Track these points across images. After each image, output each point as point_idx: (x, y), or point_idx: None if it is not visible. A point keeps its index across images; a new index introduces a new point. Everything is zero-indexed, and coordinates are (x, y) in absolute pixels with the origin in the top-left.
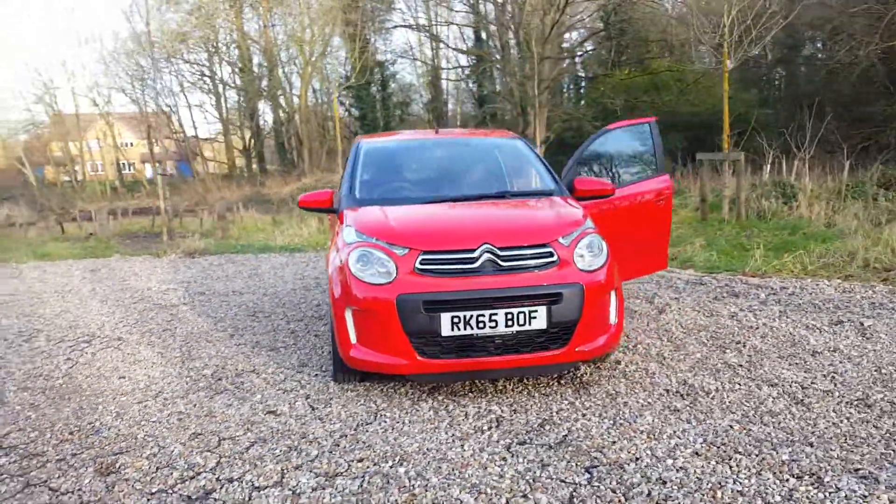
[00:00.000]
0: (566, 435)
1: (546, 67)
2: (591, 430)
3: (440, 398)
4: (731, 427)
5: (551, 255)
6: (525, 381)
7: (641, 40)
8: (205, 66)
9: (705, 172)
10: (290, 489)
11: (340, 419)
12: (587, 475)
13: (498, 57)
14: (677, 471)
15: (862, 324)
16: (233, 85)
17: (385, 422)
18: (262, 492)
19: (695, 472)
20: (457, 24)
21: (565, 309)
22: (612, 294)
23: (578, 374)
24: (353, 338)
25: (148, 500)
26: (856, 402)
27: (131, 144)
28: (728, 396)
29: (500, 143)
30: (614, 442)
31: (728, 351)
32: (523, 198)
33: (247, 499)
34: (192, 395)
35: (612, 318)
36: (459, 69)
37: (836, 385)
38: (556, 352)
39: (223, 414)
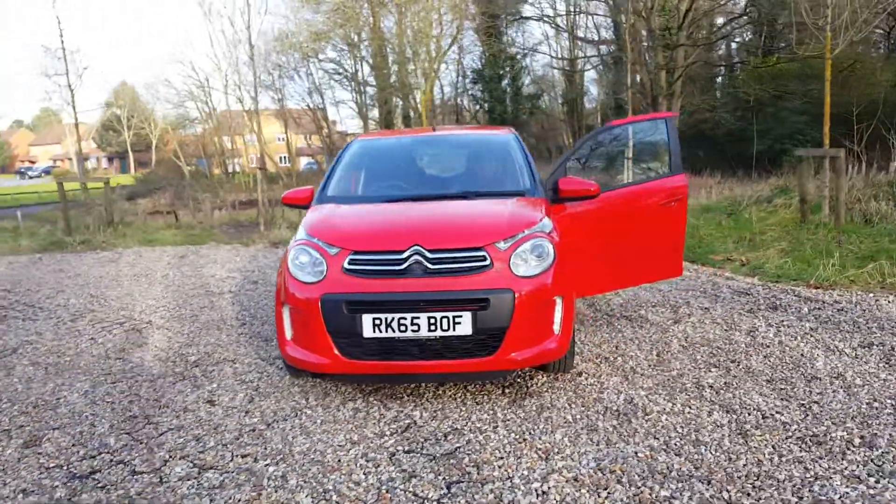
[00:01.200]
0: (459, 447)
1: (680, 55)
2: (490, 443)
3: (371, 399)
4: (636, 454)
5: (483, 258)
6: (468, 387)
7: (795, 25)
8: (341, 64)
9: (805, 170)
10: (159, 476)
11: (263, 413)
12: (443, 491)
13: (630, 46)
14: (536, 496)
15: (893, 348)
16: (372, 83)
17: (300, 419)
18: (135, 476)
19: (555, 499)
20: (587, 13)
21: (492, 315)
22: (558, 302)
23: (527, 384)
24: (288, 335)
25: (39, 473)
26: (808, 439)
27: (284, 139)
28: (666, 420)
29: (490, 141)
30: (501, 458)
31: (714, 370)
32: (488, 198)
33: (119, 481)
34: (160, 379)
35: (556, 327)
36: (596, 58)
37: (804, 416)
38: (483, 359)
39: (169, 400)
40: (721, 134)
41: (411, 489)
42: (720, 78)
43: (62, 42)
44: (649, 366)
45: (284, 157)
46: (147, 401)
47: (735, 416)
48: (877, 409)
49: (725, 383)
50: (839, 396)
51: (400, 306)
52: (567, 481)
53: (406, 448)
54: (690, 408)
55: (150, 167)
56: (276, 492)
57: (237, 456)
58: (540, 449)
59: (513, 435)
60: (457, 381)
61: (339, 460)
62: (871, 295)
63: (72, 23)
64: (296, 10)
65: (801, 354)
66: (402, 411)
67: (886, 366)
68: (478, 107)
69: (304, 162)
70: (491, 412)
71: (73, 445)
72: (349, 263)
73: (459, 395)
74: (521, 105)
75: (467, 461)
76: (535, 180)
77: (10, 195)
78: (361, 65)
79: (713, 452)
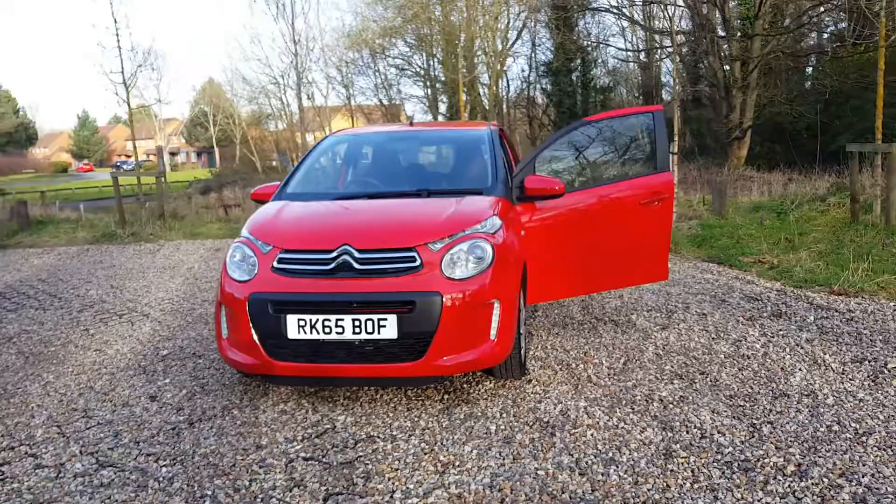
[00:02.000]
0: (362, 456)
1: (756, 45)
2: (396, 453)
3: (304, 401)
4: (537, 471)
5: (413, 259)
6: (408, 391)
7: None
8: (411, 59)
9: (856, 167)
10: (58, 471)
11: (193, 412)
12: (317, 503)
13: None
14: None
15: (886, 364)
16: (441, 78)
17: (224, 419)
18: (38, 470)
19: None
20: (662, 3)
21: (418, 319)
22: (496, 305)
23: (469, 390)
24: (224, 334)
25: None
26: (736, 464)
27: None
28: (592, 435)
29: (462, 137)
30: (397, 470)
31: (676, 382)
32: (443, 195)
33: (20, 474)
34: (122, 373)
35: (493, 333)
36: (670, 48)
37: (748, 438)
38: (409, 364)
39: (118, 394)
40: (802, 127)
41: (287, 499)
42: (809, 69)
43: (118, 41)
44: (609, 375)
45: None
46: (97, 394)
47: (670, 435)
48: (835, 432)
49: (681, 397)
50: (800, 417)
51: (324, 307)
52: (448, 498)
53: (308, 455)
54: (626, 423)
55: (236, 162)
56: (153, 494)
57: (142, 455)
58: (442, 461)
59: (423, 444)
60: (384, 385)
61: (234, 465)
62: (894, 304)
63: (147, 22)
64: (369, 6)
65: (782, 368)
66: (327, 415)
67: (871, 384)
68: (548, 100)
69: None
70: (415, 419)
71: (1, 436)
72: (278, 262)
73: (396, 399)
74: (591, 98)
75: (361, 471)
76: (498, 178)
77: (97, 187)
78: (433, 60)
79: (621, 474)
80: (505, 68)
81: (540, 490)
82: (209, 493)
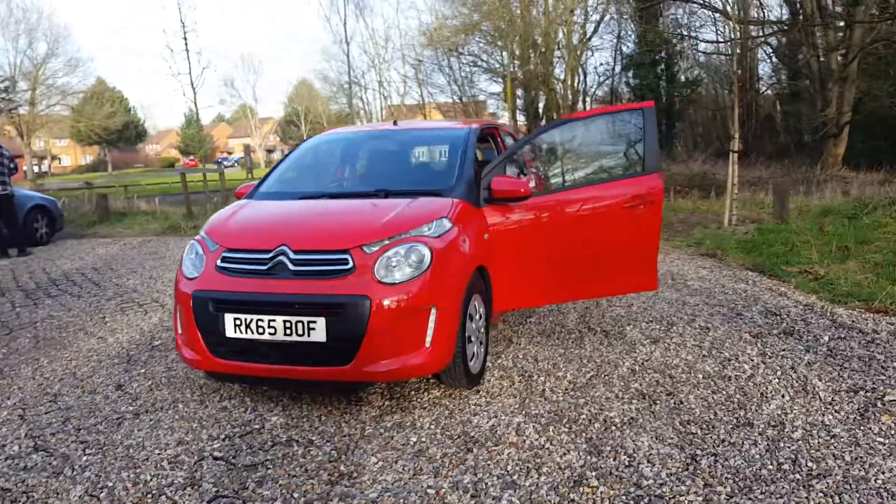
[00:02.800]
0: (270, 459)
1: (857, 34)
2: (302, 459)
3: (248, 399)
4: (428, 490)
5: (345, 262)
6: (353, 397)
7: None
8: (485, 56)
9: None
10: None
11: (145, 402)
12: None
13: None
14: None
15: (883, 396)
16: (519, 75)
17: (167, 412)
18: None
19: None
20: None
21: (346, 323)
22: (432, 312)
23: (413, 397)
24: (179, 330)
25: None
26: (647, 499)
27: None
28: (509, 455)
29: (439, 137)
30: (294, 477)
31: (635, 402)
32: (400, 196)
33: None
34: (108, 360)
35: (428, 340)
36: (760, 38)
37: (679, 471)
38: (338, 368)
39: (92, 381)
40: None
41: (175, 497)
42: None
43: (185, 44)
44: (566, 390)
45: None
46: (74, 380)
47: (593, 460)
48: (784, 472)
49: (630, 419)
50: (753, 451)
51: (258, 308)
52: None
53: (220, 454)
54: (553, 443)
55: None
56: (60, 481)
57: (76, 442)
58: (341, 472)
59: (334, 452)
60: (315, 388)
61: (147, 459)
62: None
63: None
64: (447, 3)
65: (762, 393)
66: (263, 415)
67: (857, 418)
68: (631, 93)
69: None
70: (342, 424)
71: None
72: (221, 261)
73: (336, 402)
74: (675, 92)
75: (258, 476)
76: (461, 180)
77: (190, 182)
78: (511, 56)
79: (515, 500)
80: (582, 62)
81: None
82: (110, 484)
